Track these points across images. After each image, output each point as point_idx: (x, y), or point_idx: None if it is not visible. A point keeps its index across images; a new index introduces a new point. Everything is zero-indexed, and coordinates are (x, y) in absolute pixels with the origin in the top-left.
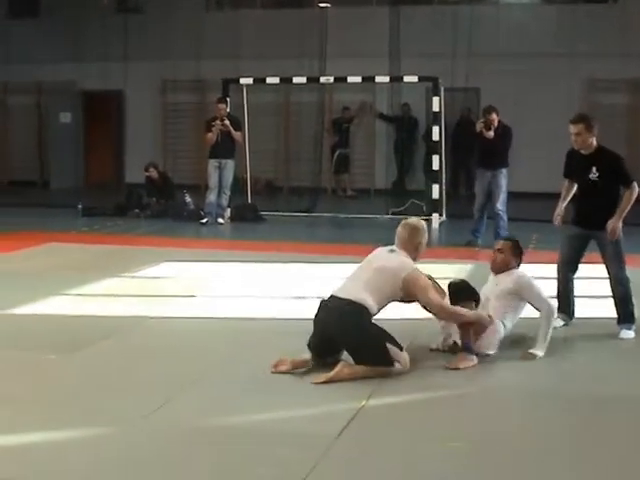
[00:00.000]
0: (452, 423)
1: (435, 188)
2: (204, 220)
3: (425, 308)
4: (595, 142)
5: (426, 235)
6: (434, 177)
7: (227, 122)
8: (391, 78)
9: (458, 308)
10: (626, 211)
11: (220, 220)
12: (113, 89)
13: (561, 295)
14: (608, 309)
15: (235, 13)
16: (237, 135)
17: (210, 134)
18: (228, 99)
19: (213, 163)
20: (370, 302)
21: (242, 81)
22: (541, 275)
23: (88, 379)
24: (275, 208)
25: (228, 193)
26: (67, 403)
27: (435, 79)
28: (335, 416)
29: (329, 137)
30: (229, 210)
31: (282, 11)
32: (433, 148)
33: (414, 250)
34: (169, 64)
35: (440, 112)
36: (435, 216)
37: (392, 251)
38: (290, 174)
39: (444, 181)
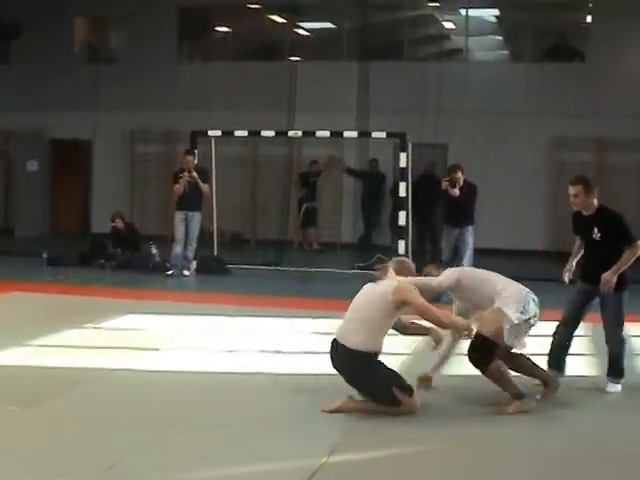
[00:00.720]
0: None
1: (401, 244)
2: (170, 272)
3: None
4: (596, 202)
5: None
6: (400, 233)
7: (194, 174)
8: (359, 133)
9: (441, 312)
10: (624, 267)
11: (186, 272)
12: (82, 138)
13: (553, 350)
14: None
15: (206, 65)
16: (205, 187)
17: (177, 186)
18: (196, 151)
19: (180, 215)
20: (370, 343)
21: (210, 133)
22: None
23: (48, 432)
24: (241, 261)
25: (194, 245)
26: (25, 456)
27: (403, 135)
28: (294, 473)
29: (296, 190)
30: (195, 262)
31: (252, 63)
32: (400, 204)
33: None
34: (139, 114)
35: (407, 168)
36: None
37: (376, 282)
38: (257, 227)
39: (410, 237)
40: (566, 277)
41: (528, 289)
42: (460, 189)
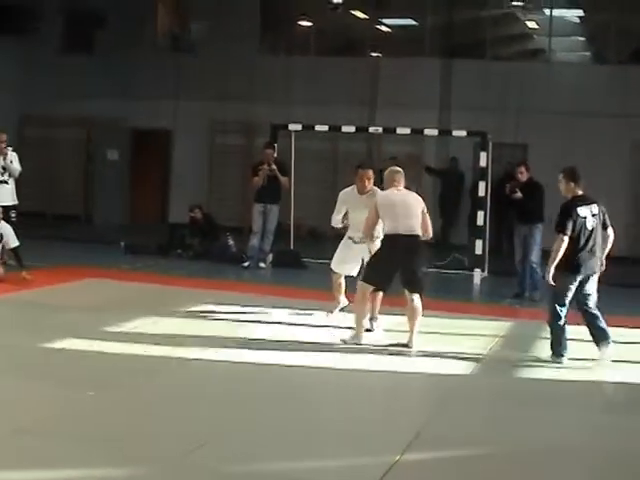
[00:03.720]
0: None
1: (478, 244)
2: (246, 264)
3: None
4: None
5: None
6: (478, 232)
7: (274, 167)
8: (440, 131)
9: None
10: (553, 260)
11: (262, 264)
12: (162, 128)
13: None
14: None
15: (288, 58)
16: (284, 180)
17: (257, 178)
18: (276, 144)
19: (258, 207)
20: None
21: (291, 127)
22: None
23: (125, 417)
24: (317, 255)
25: (271, 238)
26: (104, 440)
27: (484, 134)
28: (370, 469)
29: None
30: (271, 255)
31: (334, 59)
32: (478, 203)
33: None
34: (219, 105)
35: (487, 167)
36: (477, 271)
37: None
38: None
39: (487, 237)
40: None
41: None
42: (523, 185)
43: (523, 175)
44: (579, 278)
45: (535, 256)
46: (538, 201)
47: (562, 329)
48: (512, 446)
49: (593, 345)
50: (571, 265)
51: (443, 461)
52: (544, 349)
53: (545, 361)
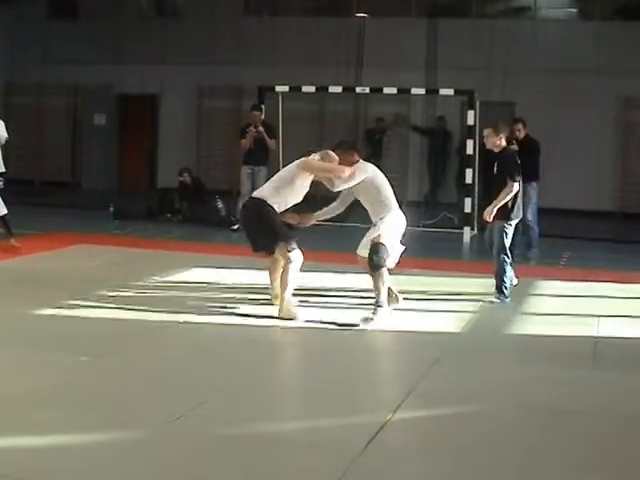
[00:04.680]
0: (480, 440)
1: (467, 201)
2: (235, 227)
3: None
4: (503, 142)
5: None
6: (467, 190)
7: (261, 129)
8: (427, 90)
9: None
10: (500, 203)
11: None
12: (149, 93)
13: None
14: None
15: (273, 20)
16: (271, 142)
17: (244, 140)
18: (263, 106)
19: (246, 170)
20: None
21: (278, 89)
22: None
23: (118, 382)
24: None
25: None
26: (96, 406)
27: (471, 92)
28: (362, 428)
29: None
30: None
31: (320, 19)
32: (466, 162)
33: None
34: (206, 69)
35: (475, 126)
36: (467, 229)
37: None
38: (322, 183)
39: (476, 195)
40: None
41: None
42: (520, 143)
43: (521, 132)
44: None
45: (531, 214)
46: (534, 159)
47: (509, 269)
48: (505, 403)
49: (588, 301)
50: (513, 211)
51: (436, 418)
52: (536, 305)
53: (536, 314)
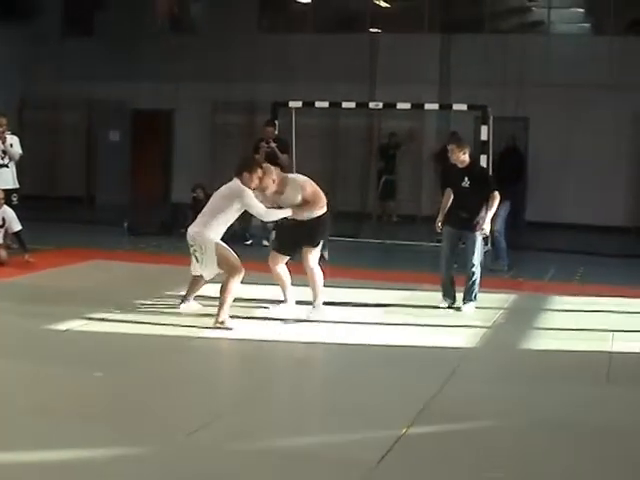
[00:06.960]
0: (492, 455)
1: None
2: (249, 242)
3: None
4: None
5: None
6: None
7: (273, 145)
8: (440, 106)
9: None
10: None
11: (265, 242)
12: (164, 108)
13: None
14: None
15: (287, 36)
16: (283, 158)
17: (257, 156)
18: (277, 122)
19: None
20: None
21: (291, 104)
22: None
23: (133, 397)
24: None
25: None
26: (111, 420)
27: (484, 107)
28: (375, 443)
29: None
30: (274, 233)
31: (334, 35)
32: None
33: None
34: (220, 85)
35: (488, 141)
36: None
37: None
38: (336, 199)
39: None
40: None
41: None
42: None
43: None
44: None
45: (499, 225)
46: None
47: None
48: (521, 419)
49: (602, 317)
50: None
51: (451, 434)
52: (551, 320)
53: (551, 329)
